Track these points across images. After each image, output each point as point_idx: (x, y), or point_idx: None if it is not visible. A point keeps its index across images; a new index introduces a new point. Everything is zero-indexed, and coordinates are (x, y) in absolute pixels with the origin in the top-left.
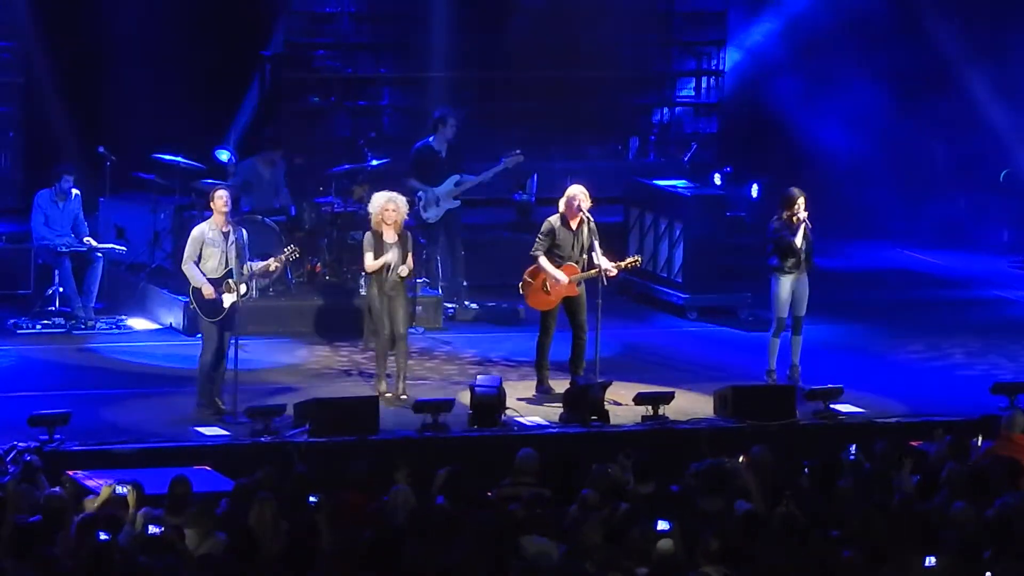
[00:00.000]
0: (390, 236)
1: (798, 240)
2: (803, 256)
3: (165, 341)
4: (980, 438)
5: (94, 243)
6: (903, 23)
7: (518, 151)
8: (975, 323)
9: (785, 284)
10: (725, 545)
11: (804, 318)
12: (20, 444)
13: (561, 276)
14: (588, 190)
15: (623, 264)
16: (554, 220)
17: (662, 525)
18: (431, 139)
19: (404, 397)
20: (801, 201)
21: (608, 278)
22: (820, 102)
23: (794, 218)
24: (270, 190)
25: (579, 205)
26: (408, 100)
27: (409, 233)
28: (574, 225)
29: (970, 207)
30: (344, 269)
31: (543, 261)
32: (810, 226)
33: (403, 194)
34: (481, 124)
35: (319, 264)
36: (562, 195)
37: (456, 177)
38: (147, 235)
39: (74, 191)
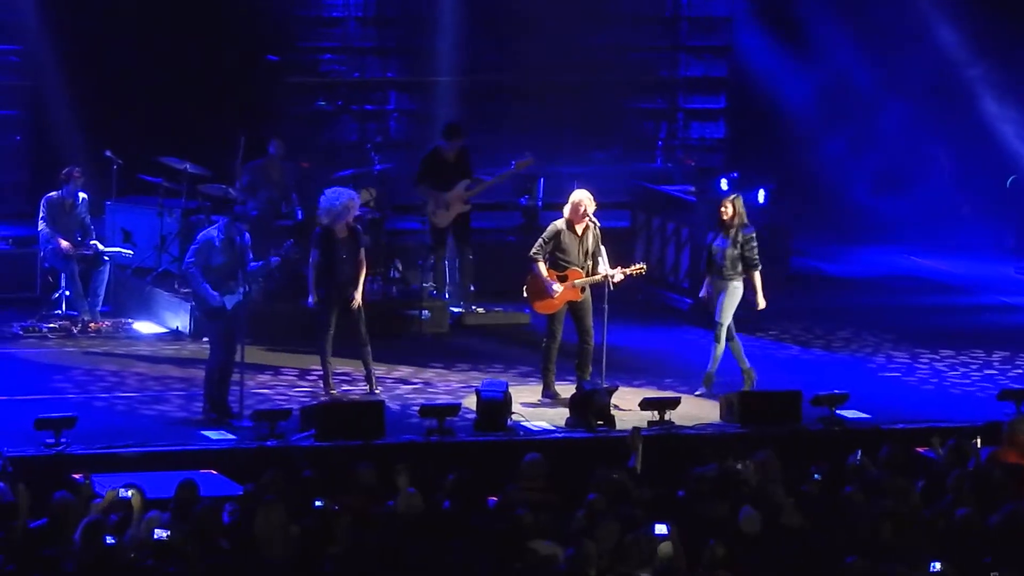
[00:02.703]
0: (342, 232)
1: (713, 245)
2: (718, 262)
3: (171, 344)
4: (979, 440)
5: (101, 246)
6: (911, 29)
7: (528, 154)
8: (980, 329)
9: (712, 289)
10: (730, 551)
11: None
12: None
13: (555, 288)
14: (595, 195)
15: (629, 270)
16: (559, 224)
17: (660, 529)
18: (442, 144)
19: (379, 391)
20: (724, 205)
21: (614, 284)
22: (827, 108)
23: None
24: (277, 194)
25: (585, 210)
26: (415, 104)
27: (359, 228)
28: (579, 230)
29: (976, 213)
30: None
31: (539, 268)
32: (742, 234)
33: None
34: (487, 129)
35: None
36: (567, 200)
37: (466, 182)
38: (153, 239)
39: (81, 195)
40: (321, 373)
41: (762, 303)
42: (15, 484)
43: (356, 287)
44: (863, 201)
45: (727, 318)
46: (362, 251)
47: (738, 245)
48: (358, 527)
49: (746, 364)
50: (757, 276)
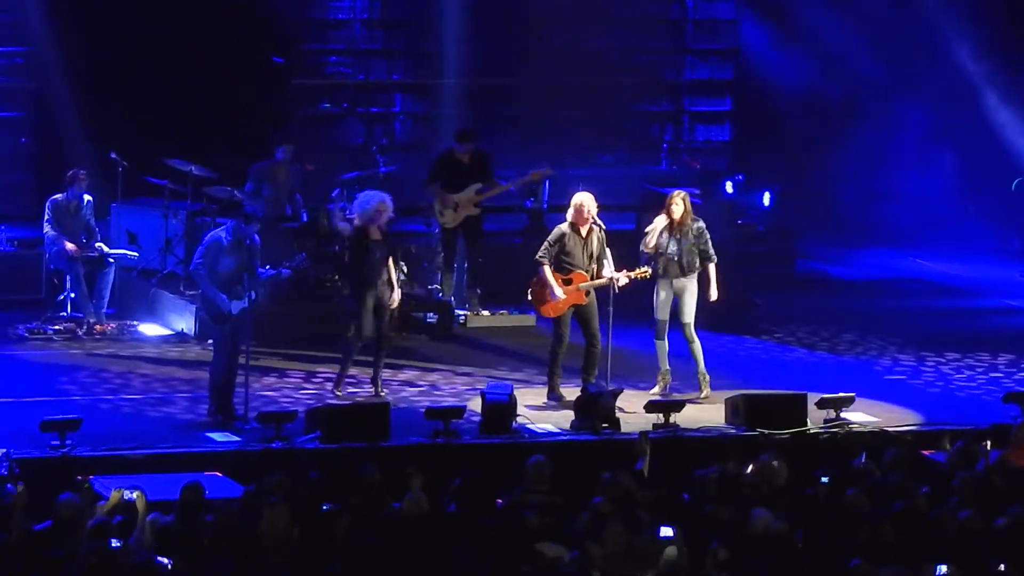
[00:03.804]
0: (375, 234)
1: (651, 241)
2: (673, 260)
3: (176, 346)
4: (989, 444)
5: (106, 248)
6: (919, 31)
7: (546, 165)
8: (986, 332)
9: (659, 288)
10: (733, 554)
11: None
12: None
13: (558, 293)
14: (600, 198)
15: (634, 274)
16: (563, 227)
17: (666, 531)
18: (456, 146)
19: (384, 392)
20: (675, 203)
21: (619, 287)
22: (833, 110)
23: (659, 220)
24: (282, 196)
25: (588, 212)
26: (420, 106)
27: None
28: (583, 232)
29: (982, 216)
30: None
31: (545, 271)
32: (695, 228)
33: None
34: (493, 131)
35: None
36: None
37: (477, 185)
38: (159, 241)
39: (86, 197)
40: (334, 374)
41: (715, 295)
42: (14, 484)
43: (392, 288)
44: (869, 204)
45: (692, 315)
46: (393, 252)
47: (691, 241)
48: (362, 529)
49: (666, 365)
50: (713, 268)
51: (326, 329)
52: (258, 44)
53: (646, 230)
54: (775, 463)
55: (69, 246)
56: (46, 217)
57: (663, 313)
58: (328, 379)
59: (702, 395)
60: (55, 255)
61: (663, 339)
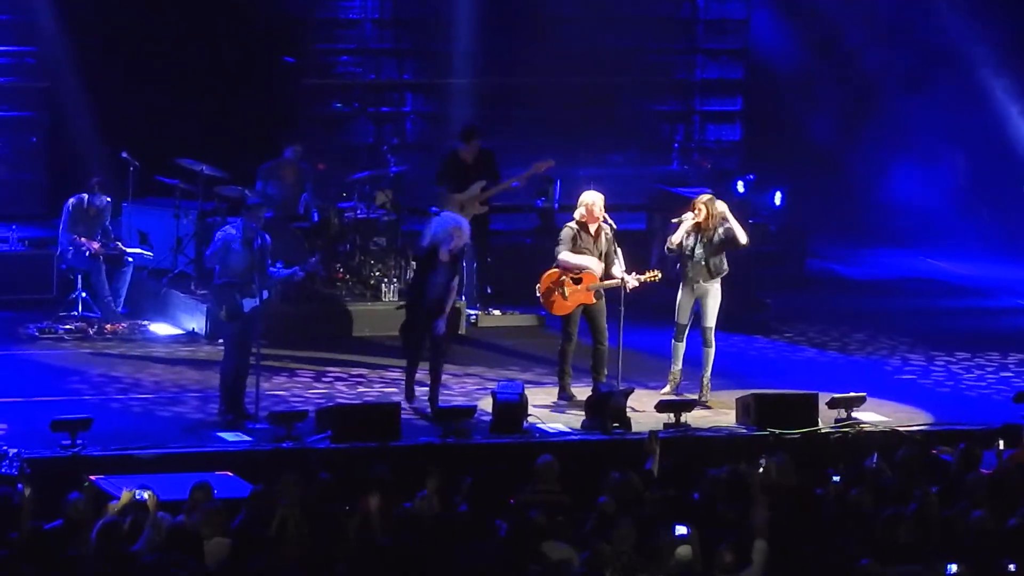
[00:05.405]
0: (444, 256)
1: (676, 238)
2: (700, 264)
3: (187, 346)
4: (1002, 443)
5: (122, 247)
6: (926, 31)
7: (548, 157)
8: (996, 331)
9: (682, 291)
10: (740, 555)
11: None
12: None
13: (591, 263)
14: (611, 197)
15: (644, 278)
16: (572, 226)
17: (680, 530)
18: (459, 146)
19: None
20: (700, 205)
21: (628, 289)
22: (843, 109)
23: (679, 221)
24: (291, 195)
25: (599, 210)
26: (431, 106)
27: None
28: (593, 231)
29: (992, 216)
30: (366, 274)
31: (566, 255)
32: (719, 234)
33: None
34: (503, 131)
35: (342, 271)
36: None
37: (482, 183)
38: (170, 240)
39: (106, 199)
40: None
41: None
42: (23, 485)
43: (442, 314)
44: (879, 203)
45: (714, 319)
46: (456, 280)
47: (718, 245)
48: (372, 529)
49: (678, 366)
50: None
51: (335, 329)
52: (269, 44)
53: (673, 220)
54: (782, 463)
55: (94, 245)
56: (64, 217)
57: (684, 316)
58: (338, 379)
59: (702, 398)
60: (74, 256)
61: (681, 341)
